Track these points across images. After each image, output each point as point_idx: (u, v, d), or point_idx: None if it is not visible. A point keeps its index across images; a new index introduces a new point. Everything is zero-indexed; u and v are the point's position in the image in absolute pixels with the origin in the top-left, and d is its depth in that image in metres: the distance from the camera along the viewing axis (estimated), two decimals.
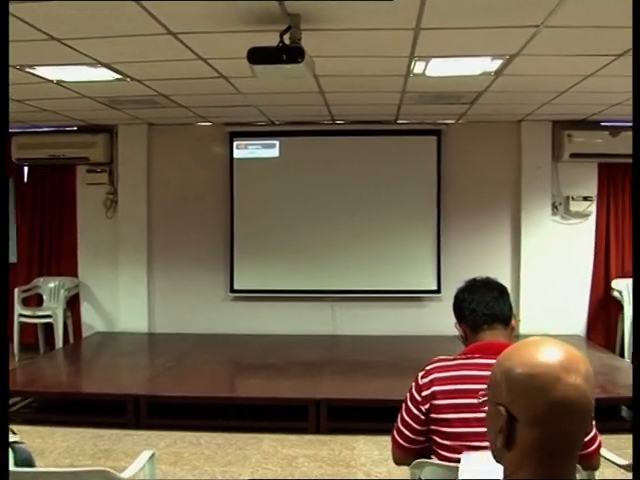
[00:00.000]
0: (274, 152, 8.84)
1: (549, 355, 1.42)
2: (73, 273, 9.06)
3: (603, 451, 2.76)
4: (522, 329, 7.84)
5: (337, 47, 5.04)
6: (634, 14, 3.29)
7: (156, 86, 6.42)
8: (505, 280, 2.88)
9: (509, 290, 2.86)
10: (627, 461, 3.09)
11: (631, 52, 5.09)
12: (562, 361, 1.41)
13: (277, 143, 8.84)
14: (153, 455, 3.22)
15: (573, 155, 8.42)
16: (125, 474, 2.95)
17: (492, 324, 2.68)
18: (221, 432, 5.79)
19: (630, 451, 4.90)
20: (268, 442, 5.63)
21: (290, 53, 4.17)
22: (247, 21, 4.33)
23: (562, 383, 1.38)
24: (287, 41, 4.21)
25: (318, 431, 5.82)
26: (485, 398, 1.52)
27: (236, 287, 8.89)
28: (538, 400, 1.38)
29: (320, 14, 4.23)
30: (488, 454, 1.53)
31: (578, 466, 2.33)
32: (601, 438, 2.59)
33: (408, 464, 2.61)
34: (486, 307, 2.70)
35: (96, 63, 5.46)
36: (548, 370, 1.39)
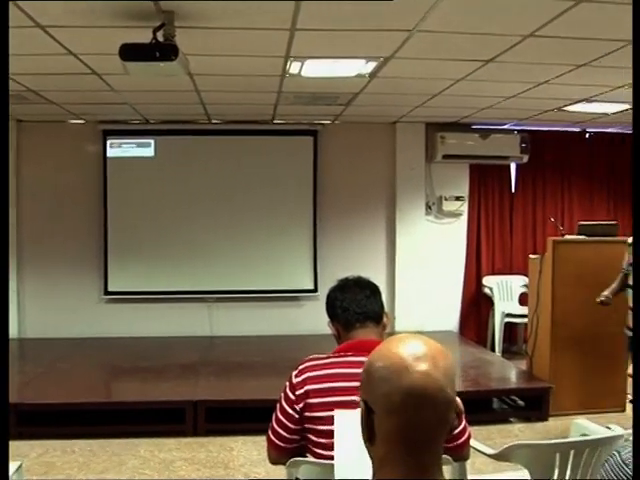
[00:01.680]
0: (149, 151, 8.68)
1: (405, 348, 1.45)
2: None
3: (473, 442, 2.84)
4: (397, 326, 8.06)
5: (212, 45, 5.00)
6: (634, 15, 3.37)
7: (24, 81, 6.18)
8: (380, 278, 2.94)
9: (384, 288, 2.92)
10: (495, 450, 3.19)
11: (499, 59, 5.29)
12: (416, 352, 1.43)
13: (152, 142, 8.69)
14: (20, 466, 3.10)
15: (446, 156, 8.66)
16: None
17: (364, 322, 2.72)
18: (96, 438, 5.64)
19: (499, 441, 5.10)
20: (145, 447, 5.54)
21: (163, 51, 4.09)
22: (120, 17, 4.22)
23: (410, 371, 1.40)
24: (161, 38, 4.14)
25: (196, 433, 5.77)
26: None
27: (111, 289, 8.68)
28: (389, 390, 1.40)
29: (195, 12, 4.18)
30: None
31: (449, 458, 2.41)
32: (471, 430, 2.67)
33: (284, 463, 2.62)
34: (358, 306, 2.74)
35: None
36: (397, 360, 1.42)
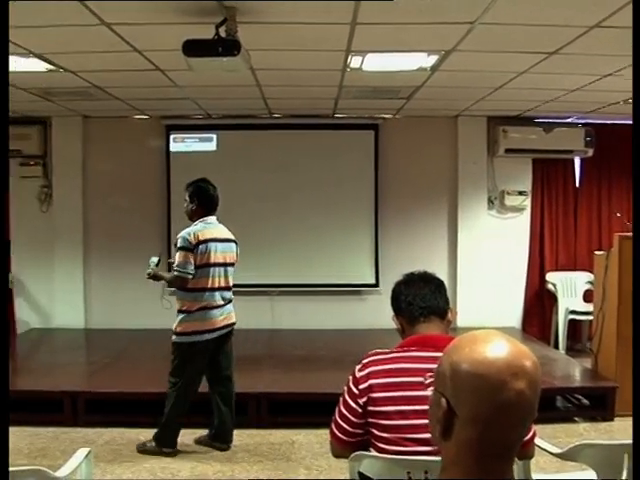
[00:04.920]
0: (211, 146, 8.77)
1: (496, 355, 1.39)
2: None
3: (538, 440, 2.81)
4: (459, 322, 7.96)
5: (273, 40, 5.03)
6: (634, 14, 3.33)
7: (90, 78, 6.31)
8: (442, 273, 2.92)
9: (446, 283, 2.89)
10: (560, 449, 3.15)
11: (563, 50, 5.21)
12: (509, 363, 1.38)
13: (214, 136, 8.78)
14: (90, 453, 3.16)
15: (508, 150, 8.55)
16: (60, 473, 2.89)
17: (428, 317, 2.70)
18: None
19: (563, 440, 5.02)
20: None
21: (226, 46, 4.13)
22: (182, 13, 4.28)
23: (507, 388, 1.36)
24: (223, 34, 4.18)
25: (258, 425, 5.82)
26: (431, 379, 1.52)
27: None
28: (480, 401, 1.37)
29: (256, 7, 4.21)
30: None
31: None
32: (535, 428, 2.64)
33: (347, 457, 2.62)
34: (422, 300, 2.72)
35: (28, 53, 5.33)
36: (494, 372, 1.37)
